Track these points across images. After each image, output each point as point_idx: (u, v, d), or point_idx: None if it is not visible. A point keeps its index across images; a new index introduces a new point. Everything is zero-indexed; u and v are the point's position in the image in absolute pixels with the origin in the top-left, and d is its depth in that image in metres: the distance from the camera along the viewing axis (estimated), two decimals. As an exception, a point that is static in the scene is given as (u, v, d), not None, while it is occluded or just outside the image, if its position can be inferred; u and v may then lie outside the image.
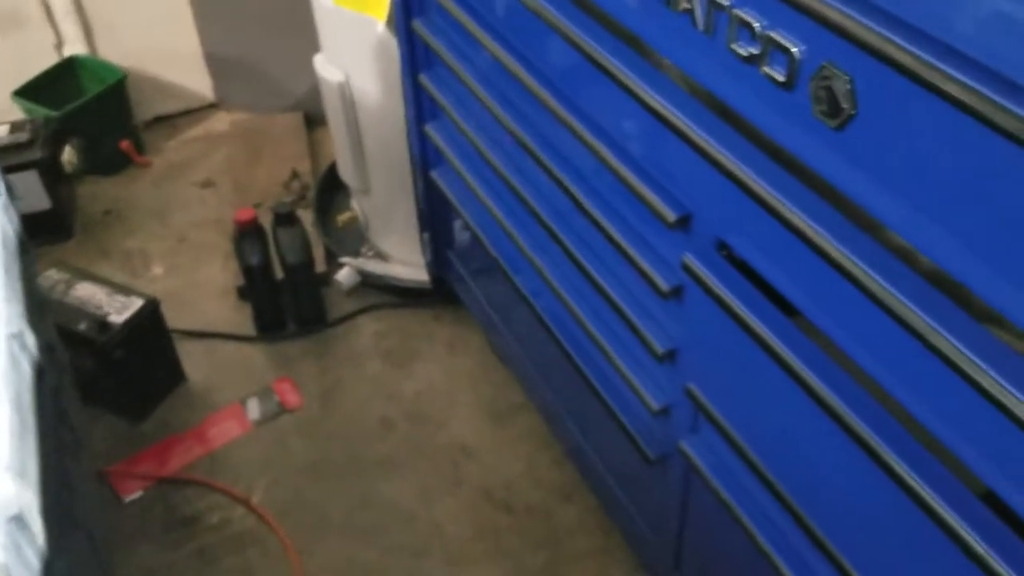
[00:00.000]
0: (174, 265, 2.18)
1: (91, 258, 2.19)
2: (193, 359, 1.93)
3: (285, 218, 1.91)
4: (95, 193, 2.38)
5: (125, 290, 1.81)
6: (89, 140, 2.34)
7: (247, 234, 1.89)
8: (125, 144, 2.42)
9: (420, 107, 1.61)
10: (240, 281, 2.02)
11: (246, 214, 1.88)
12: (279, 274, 1.96)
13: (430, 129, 1.61)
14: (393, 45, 1.64)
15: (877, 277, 0.76)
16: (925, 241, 0.70)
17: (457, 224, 1.76)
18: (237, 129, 2.55)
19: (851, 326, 0.82)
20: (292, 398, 1.87)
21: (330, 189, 2.25)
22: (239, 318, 2.03)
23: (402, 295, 2.04)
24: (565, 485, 1.69)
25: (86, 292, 1.80)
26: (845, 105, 0.72)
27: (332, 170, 2.21)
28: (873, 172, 0.73)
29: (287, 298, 1.99)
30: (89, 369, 1.75)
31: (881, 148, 0.72)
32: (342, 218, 2.15)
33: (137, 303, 1.78)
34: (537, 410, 1.76)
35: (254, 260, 1.91)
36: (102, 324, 1.73)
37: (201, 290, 2.11)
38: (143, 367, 1.81)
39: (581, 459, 1.58)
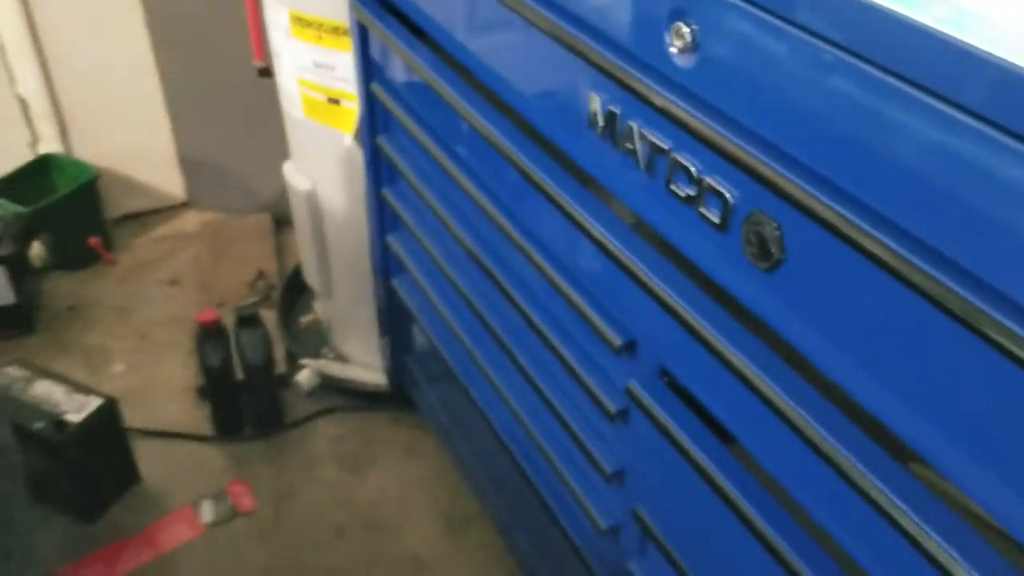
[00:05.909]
0: (135, 363, 2.18)
1: (52, 354, 2.19)
2: (149, 459, 1.92)
3: (248, 320, 1.93)
4: (60, 289, 2.39)
5: (84, 389, 1.81)
6: (58, 236, 2.37)
7: (209, 336, 1.91)
8: (94, 241, 2.44)
9: (383, 219, 1.66)
10: (200, 381, 2.03)
11: (208, 316, 1.90)
12: (240, 375, 1.97)
13: (392, 240, 1.65)
14: (359, 158, 1.69)
15: (801, 411, 0.79)
16: (848, 381, 0.74)
17: (415, 332, 1.79)
18: (206, 229, 2.58)
19: (779, 455, 0.85)
20: (246, 501, 1.86)
21: (295, 290, 2.27)
22: (197, 418, 2.03)
23: (361, 398, 2.05)
24: (518, 599, 1.68)
25: (44, 390, 1.79)
26: (774, 250, 0.77)
27: (298, 272, 2.24)
28: (801, 313, 0.77)
29: (246, 399, 2.00)
30: (43, 467, 1.74)
31: (808, 292, 0.76)
32: (305, 320, 2.17)
33: (95, 403, 1.78)
34: (492, 521, 1.76)
35: (215, 362, 1.92)
36: (58, 423, 1.72)
37: (160, 389, 2.11)
38: (98, 467, 1.80)
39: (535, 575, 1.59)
